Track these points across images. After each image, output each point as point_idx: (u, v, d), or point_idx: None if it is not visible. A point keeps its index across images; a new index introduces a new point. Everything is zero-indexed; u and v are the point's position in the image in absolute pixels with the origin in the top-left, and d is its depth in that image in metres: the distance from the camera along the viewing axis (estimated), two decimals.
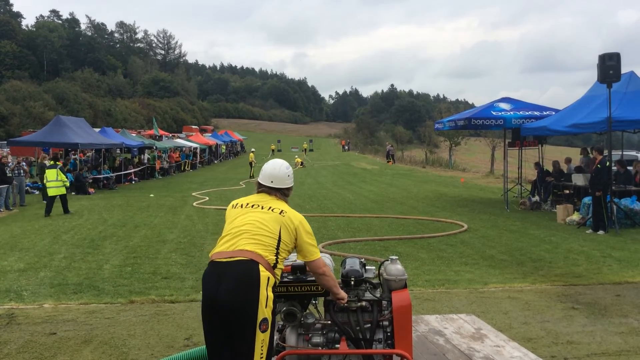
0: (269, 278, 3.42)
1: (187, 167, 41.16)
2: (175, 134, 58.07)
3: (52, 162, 17.87)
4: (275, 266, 3.52)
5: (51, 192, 16.40)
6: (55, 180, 16.31)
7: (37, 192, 22.37)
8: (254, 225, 3.55)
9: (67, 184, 17.13)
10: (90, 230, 12.98)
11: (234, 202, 3.84)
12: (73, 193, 22.80)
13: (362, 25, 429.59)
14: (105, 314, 6.55)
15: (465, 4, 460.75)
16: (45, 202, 17.30)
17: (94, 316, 6.46)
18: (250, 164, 35.90)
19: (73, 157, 25.76)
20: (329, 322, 3.99)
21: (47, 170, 16.92)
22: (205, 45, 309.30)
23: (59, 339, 5.68)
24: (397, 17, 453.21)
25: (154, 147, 35.22)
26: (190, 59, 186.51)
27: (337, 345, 3.93)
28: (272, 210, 3.65)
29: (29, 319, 6.35)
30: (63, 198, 16.53)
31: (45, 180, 16.91)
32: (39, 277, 8.43)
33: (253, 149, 40.19)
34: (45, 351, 5.33)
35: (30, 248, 10.79)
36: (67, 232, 12.70)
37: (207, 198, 20.22)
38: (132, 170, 30.23)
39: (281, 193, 3.82)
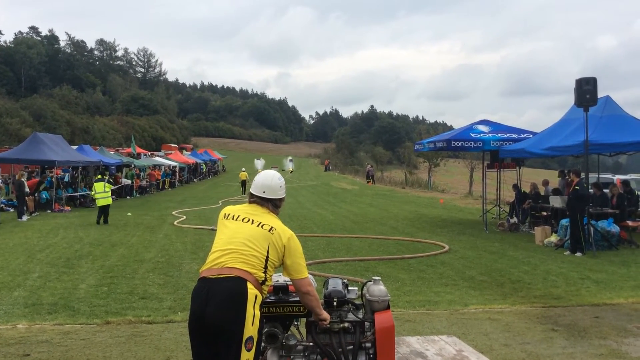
0: (256, 296, 3.43)
1: (166, 186, 40.84)
2: (154, 152, 57.71)
3: (99, 176, 20.15)
4: (264, 282, 3.54)
5: (99, 203, 18.46)
6: (103, 192, 18.49)
7: (11, 210, 21.95)
8: (243, 244, 3.55)
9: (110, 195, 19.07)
10: (66, 249, 12.76)
11: (225, 212, 3.84)
12: (49, 211, 22.48)
13: (347, 46, 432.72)
14: (80, 335, 6.40)
15: (448, 28, 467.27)
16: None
17: (69, 337, 6.31)
18: (244, 183, 36.27)
19: (50, 174, 25.36)
20: (311, 343, 3.95)
21: (95, 184, 19.25)
22: (189, 64, 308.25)
23: None
24: (382, 38, 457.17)
25: (132, 165, 34.92)
26: (175, 78, 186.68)
27: None
28: (262, 226, 3.64)
29: (2, 340, 6.18)
30: (107, 208, 18.37)
31: (93, 192, 19.25)
32: (13, 296, 8.24)
33: (244, 169, 40.57)
34: None
35: (4, 267, 10.55)
36: (42, 251, 12.46)
37: (185, 217, 20.00)
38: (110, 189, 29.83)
39: (273, 204, 3.82)
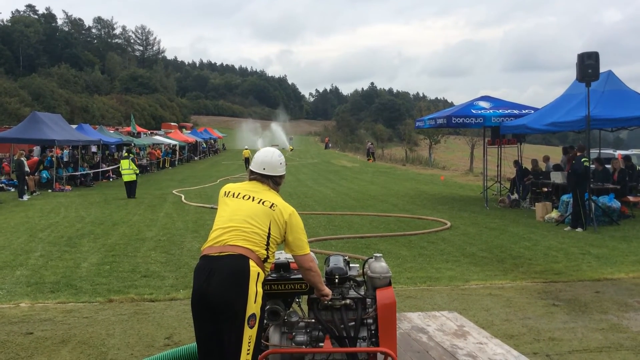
0: (258, 273, 3.42)
1: (167, 165, 40.83)
2: (154, 131, 57.59)
3: (126, 154, 21.97)
4: (266, 260, 3.53)
5: (125, 179, 19.97)
6: (128, 169, 19.87)
7: (12, 190, 21.96)
8: (244, 222, 3.53)
9: (137, 171, 20.67)
10: (68, 228, 12.78)
11: (225, 190, 3.81)
12: (49, 190, 22.48)
13: (350, 22, 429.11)
14: (83, 313, 6.43)
15: (453, 3, 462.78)
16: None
17: (71, 315, 6.34)
18: (247, 160, 36.65)
19: (50, 154, 25.34)
20: (313, 320, 3.95)
21: (121, 161, 21.18)
22: (190, 41, 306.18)
23: (35, 338, 5.56)
24: (386, 14, 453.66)
25: (132, 144, 34.87)
26: (174, 56, 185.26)
27: (321, 344, 3.89)
28: (263, 203, 3.61)
29: (5, 319, 6.21)
30: (133, 184, 19.75)
31: (120, 169, 21.00)
32: (15, 275, 8.27)
33: (246, 146, 41.02)
34: (21, 351, 5.21)
35: (6, 246, 10.58)
36: (44, 230, 12.48)
37: (183, 196, 19.94)
38: (110, 168, 29.86)
39: (273, 181, 3.80)
